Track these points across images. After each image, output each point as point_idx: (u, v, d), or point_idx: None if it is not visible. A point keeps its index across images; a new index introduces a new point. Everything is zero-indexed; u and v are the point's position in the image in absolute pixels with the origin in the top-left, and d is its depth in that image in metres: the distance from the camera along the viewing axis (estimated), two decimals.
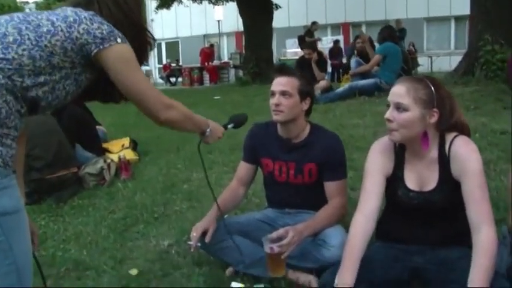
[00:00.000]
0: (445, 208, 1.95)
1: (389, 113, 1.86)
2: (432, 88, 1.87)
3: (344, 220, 2.34)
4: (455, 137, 1.92)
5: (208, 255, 2.45)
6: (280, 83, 2.31)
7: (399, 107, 1.85)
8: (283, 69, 2.42)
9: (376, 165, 2.00)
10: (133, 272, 2.48)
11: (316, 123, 2.49)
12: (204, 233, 2.22)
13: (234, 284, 2.18)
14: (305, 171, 2.35)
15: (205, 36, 22.36)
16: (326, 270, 1.98)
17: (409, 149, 1.98)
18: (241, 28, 14.39)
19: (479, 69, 7.09)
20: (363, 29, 18.23)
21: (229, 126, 2.14)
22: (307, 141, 2.37)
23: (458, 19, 17.95)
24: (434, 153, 1.94)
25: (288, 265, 2.14)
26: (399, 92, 1.87)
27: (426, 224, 1.99)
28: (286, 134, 2.39)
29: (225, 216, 2.52)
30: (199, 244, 2.23)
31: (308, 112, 2.40)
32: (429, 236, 1.99)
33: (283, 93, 2.28)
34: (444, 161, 1.92)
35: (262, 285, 2.18)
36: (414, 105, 1.84)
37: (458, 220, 2.02)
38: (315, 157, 2.32)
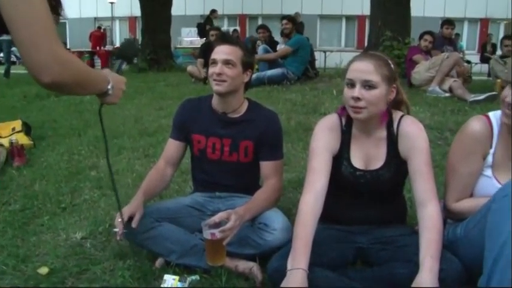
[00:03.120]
0: (389, 186, 1.95)
1: (358, 91, 1.81)
2: (391, 64, 1.86)
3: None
4: (402, 116, 1.94)
5: (132, 246, 2.21)
6: (223, 51, 2.16)
7: (367, 85, 1.81)
8: (227, 37, 2.28)
9: (322, 144, 1.94)
10: (43, 270, 2.13)
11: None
12: (130, 219, 1.99)
13: (166, 276, 1.97)
14: (241, 148, 2.22)
15: (96, 19, 21.12)
16: (272, 256, 1.87)
17: (358, 127, 1.94)
18: (135, 13, 13.79)
19: None
20: (259, 21, 18.47)
21: (123, 66, 1.86)
22: (245, 118, 2.24)
23: (349, 18, 18.96)
24: (382, 131, 1.93)
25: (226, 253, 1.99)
26: (367, 69, 1.82)
27: (369, 204, 1.99)
28: (222, 108, 2.24)
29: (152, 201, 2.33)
30: (125, 231, 1.99)
31: (247, 85, 2.27)
32: (372, 216, 1.99)
33: (227, 62, 2.14)
34: (392, 139, 1.92)
35: (197, 277, 2.00)
36: (382, 82, 1.82)
37: (397, 200, 2.06)
38: (253, 134, 2.21)
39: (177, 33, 16.65)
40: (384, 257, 1.88)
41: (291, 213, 2.47)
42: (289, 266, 1.68)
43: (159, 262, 2.11)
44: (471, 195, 1.92)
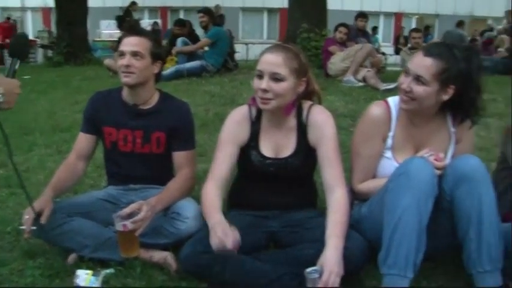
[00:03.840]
0: (299, 173, 2.03)
1: (266, 83, 1.85)
2: (301, 57, 1.92)
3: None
4: (311, 105, 2.01)
5: (42, 245, 2.14)
6: (131, 42, 2.13)
7: (275, 77, 1.85)
8: (135, 28, 2.24)
9: (229, 135, 2.00)
10: None
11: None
12: (39, 216, 1.93)
13: (79, 271, 1.92)
14: (153, 139, 2.21)
15: (3, 9, 19.82)
16: (183, 244, 1.89)
17: (267, 118, 2.00)
18: (48, 3, 13.11)
19: None
20: (181, 14, 18.24)
21: (16, 66, 1.70)
22: (156, 109, 2.23)
23: (270, 11, 19.20)
24: (292, 121, 2.00)
25: (140, 244, 1.98)
26: (276, 61, 1.86)
27: (280, 190, 2.06)
28: (133, 100, 2.22)
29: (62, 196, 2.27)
30: (33, 228, 1.92)
31: (158, 77, 2.26)
32: (283, 201, 2.06)
33: (135, 54, 2.12)
34: (302, 128, 1.98)
35: (112, 270, 1.97)
36: (290, 75, 1.87)
37: (307, 185, 2.15)
38: (164, 125, 2.20)
39: (96, 26, 16.08)
40: (294, 239, 1.96)
41: None
42: (209, 225, 1.80)
43: (71, 258, 2.05)
44: (374, 177, 2.05)
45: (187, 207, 2.07)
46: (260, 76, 1.88)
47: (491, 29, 14.65)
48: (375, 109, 2.01)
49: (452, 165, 1.77)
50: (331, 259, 1.66)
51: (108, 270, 1.97)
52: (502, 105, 5.42)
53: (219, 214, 1.84)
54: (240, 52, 15.00)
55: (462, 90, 1.85)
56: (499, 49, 10.61)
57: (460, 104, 1.90)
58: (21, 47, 1.78)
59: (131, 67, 2.11)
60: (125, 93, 2.24)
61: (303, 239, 1.92)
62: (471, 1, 18.95)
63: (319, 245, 1.76)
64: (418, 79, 1.84)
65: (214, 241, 1.71)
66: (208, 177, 1.98)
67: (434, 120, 2.00)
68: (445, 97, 1.86)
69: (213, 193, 1.93)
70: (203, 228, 1.88)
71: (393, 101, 2.02)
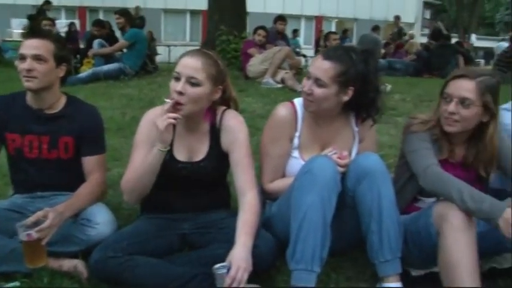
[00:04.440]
0: (212, 177, 2.05)
1: (181, 86, 1.83)
2: (220, 64, 1.93)
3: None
4: (224, 110, 2.03)
5: None
6: (32, 45, 2.04)
7: (192, 81, 1.84)
8: (37, 30, 2.14)
9: (144, 137, 1.98)
10: None
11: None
12: None
13: None
14: (60, 145, 2.14)
15: None
16: (93, 250, 1.85)
17: (181, 122, 1.99)
18: None
19: None
20: (101, 15, 17.67)
21: None
22: (63, 113, 2.16)
23: (193, 13, 19.09)
24: (205, 126, 2.01)
25: (48, 253, 1.90)
26: (194, 66, 1.86)
27: (193, 193, 2.06)
28: (37, 104, 2.13)
29: None
30: None
31: (63, 80, 2.18)
32: (195, 204, 2.07)
33: (37, 58, 2.03)
34: (215, 133, 2.01)
35: (17, 283, 1.88)
36: (206, 81, 1.87)
37: (220, 188, 2.17)
38: (72, 130, 2.14)
39: (6, 25, 15.19)
40: (207, 240, 1.98)
41: (120, 207, 2.46)
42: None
43: None
44: (284, 176, 2.11)
45: (98, 213, 2.03)
46: (177, 78, 1.87)
47: (404, 34, 15.57)
48: (281, 110, 2.08)
49: (354, 163, 1.87)
50: (239, 255, 1.70)
51: (12, 284, 1.88)
52: (411, 104, 5.76)
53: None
54: (162, 54, 14.85)
55: (361, 91, 1.96)
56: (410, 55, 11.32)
57: (360, 104, 2.01)
58: None
59: (33, 71, 2.02)
60: (29, 98, 2.14)
61: (216, 240, 1.95)
62: (386, 7, 19.95)
63: (230, 245, 1.78)
64: (317, 82, 1.92)
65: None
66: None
67: (338, 120, 2.10)
68: (345, 98, 1.96)
69: None
70: (113, 234, 1.85)
71: (299, 102, 2.09)
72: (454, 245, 1.69)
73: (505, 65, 9.06)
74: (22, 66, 2.03)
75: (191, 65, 1.86)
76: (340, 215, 1.84)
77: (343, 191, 1.84)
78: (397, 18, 13.99)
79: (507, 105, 2.33)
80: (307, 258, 1.71)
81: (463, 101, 1.88)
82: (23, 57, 2.04)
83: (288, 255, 1.76)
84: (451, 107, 1.89)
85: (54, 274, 1.94)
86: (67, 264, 1.96)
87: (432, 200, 1.98)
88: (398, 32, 13.06)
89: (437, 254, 1.75)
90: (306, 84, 1.96)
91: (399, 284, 1.78)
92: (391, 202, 1.80)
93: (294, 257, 1.73)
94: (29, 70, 2.01)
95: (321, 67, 1.92)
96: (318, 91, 1.92)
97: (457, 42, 12.27)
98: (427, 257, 1.84)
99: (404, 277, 1.85)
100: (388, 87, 6.39)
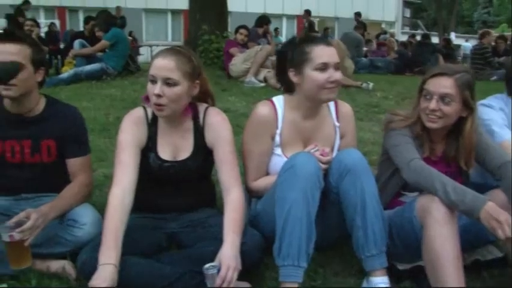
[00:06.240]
0: (198, 175, 2.06)
1: (159, 89, 1.83)
2: (194, 60, 1.94)
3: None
4: (207, 108, 2.04)
5: None
6: (9, 51, 1.94)
7: (168, 82, 1.84)
8: (12, 34, 2.01)
9: (129, 137, 1.96)
10: None
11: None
12: None
13: None
14: (43, 148, 2.11)
15: None
16: (81, 250, 1.85)
17: (163, 120, 2.00)
18: None
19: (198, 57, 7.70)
20: (80, 15, 17.49)
21: None
22: (44, 116, 2.12)
23: (174, 12, 19.01)
24: (189, 123, 2.02)
25: (35, 255, 1.90)
26: (168, 66, 1.85)
27: (178, 192, 2.07)
28: (17, 110, 2.08)
29: None
30: None
31: (42, 83, 2.14)
32: (181, 202, 2.08)
33: None
34: (199, 130, 2.01)
35: (4, 285, 1.87)
36: (183, 79, 1.87)
37: (205, 186, 2.18)
38: (54, 132, 2.11)
39: None
40: (194, 239, 1.98)
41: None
42: (99, 261, 1.66)
43: None
44: (267, 174, 2.13)
45: (84, 214, 2.01)
46: (153, 81, 1.86)
47: (385, 32, 15.74)
48: (261, 109, 2.10)
49: (336, 160, 1.90)
50: (228, 254, 1.71)
51: (1, 285, 1.87)
52: (393, 102, 5.84)
53: (115, 251, 1.68)
54: (144, 54, 14.77)
55: None
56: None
57: None
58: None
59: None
60: (7, 103, 2.08)
61: (203, 238, 1.95)
62: (366, 6, 20.12)
63: (217, 242, 1.79)
64: (443, 99, 1.95)
65: (92, 283, 1.60)
66: (114, 182, 1.88)
67: (319, 115, 2.13)
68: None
69: (118, 206, 1.80)
70: (100, 234, 1.84)
71: (278, 99, 2.12)
72: (436, 237, 1.72)
73: (480, 61, 9.31)
74: None
75: (165, 66, 1.85)
76: (325, 211, 1.87)
77: (327, 187, 1.86)
78: (307, 12, 14.05)
79: (485, 101, 2.39)
80: (293, 253, 1.73)
81: (443, 98, 1.92)
82: None
83: (275, 251, 1.78)
84: (433, 104, 1.93)
85: (42, 275, 1.94)
86: (55, 265, 1.95)
87: (415, 194, 2.02)
88: (309, 26, 13.15)
89: (422, 248, 1.78)
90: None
91: (386, 278, 1.81)
92: (374, 197, 1.84)
93: (281, 253, 1.75)
94: None
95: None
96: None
97: (444, 40, 12.49)
98: (413, 251, 1.88)
99: (391, 271, 1.89)
100: (371, 85, 6.49)
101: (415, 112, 2.03)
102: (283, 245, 1.74)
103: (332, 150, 2.10)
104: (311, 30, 12.63)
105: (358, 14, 13.94)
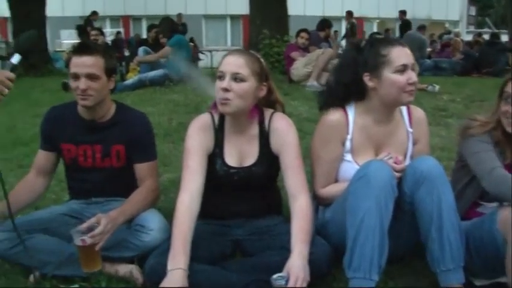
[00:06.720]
0: (263, 182, 2.04)
1: (227, 83, 1.85)
2: (263, 62, 1.94)
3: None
4: (273, 113, 2.02)
5: (2, 264, 2.07)
6: (85, 64, 2.03)
7: (236, 78, 1.86)
8: (87, 47, 2.10)
9: (197, 143, 1.97)
10: None
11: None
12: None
13: None
14: (113, 153, 2.17)
15: None
16: (148, 256, 1.87)
17: (230, 125, 2.00)
18: (4, 13, 12.74)
19: None
20: (143, 22, 18.08)
21: (14, 60, 1.77)
22: (114, 121, 2.18)
23: (233, 18, 19.26)
24: (254, 129, 2.01)
25: (104, 258, 1.94)
26: (237, 62, 1.88)
27: (244, 198, 2.05)
28: (90, 116, 2.16)
29: (18, 215, 2.18)
30: None
31: (113, 90, 2.22)
32: (247, 209, 2.06)
33: (90, 77, 2.03)
34: (264, 136, 1.99)
35: (77, 286, 1.93)
36: (251, 76, 1.88)
37: (271, 192, 2.15)
38: (123, 138, 2.16)
39: (55, 36, 15.78)
40: (260, 247, 1.96)
41: (172, 212, 2.47)
42: (169, 267, 1.68)
43: (33, 276, 1.98)
44: (336, 181, 2.06)
45: (152, 219, 2.04)
46: (221, 77, 1.88)
47: (449, 32, 15.16)
48: (332, 114, 2.04)
49: (411, 167, 1.80)
50: (296, 265, 1.67)
51: (73, 286, 1.93)
52: (461, 105, 5.58)
53: (184, 256, 1.71)
54: (204, 59, 15.04)
55: None
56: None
57: None
58: (24, 43, 1.85)
59: (88, 90, 2.04)
60: (81, 110, 2.17)
61: (269, 246, 1.92)
62: (429, 5, 19.50)
63: (284, 251, 1.76)
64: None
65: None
66: (182, 188, 1.90)
67: (392, 121, 2.04)
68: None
69: (186, 212, 1.82)
70: (168, 240, 1.86)
71: (349, 105, 2.05)
72: None
73: None
74: (76, 84, 2.04)
75: (234, 62, 1.88)
76: (397, 221, 1.78)
77: (400, 196, 1.78)
78: (350, 14, 13.48)
79: None
80: (365, 266, 1.66)
81: None
82: (76, 76, 2.05)
83: (345, 262, 1.71)
84: None
85: (111, 279, 1.97)
86: (123, 269, 1.99)
87: (494, 205, 1.90)
88: (350, 27, 12.63)
89: (505, 264, 1.66)
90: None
91: None
92: (451, 208, 1.73)
93: (352, 265, 1.68)
94: (84, 89, 2.03)
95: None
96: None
97: None
98: (492, 266, 1.76)
99: (468, 287, 1.78)
100: (436, 87, 6.25)
101: (494, 117, 1.91)
102: (355, 256, 1.67)
103: (405, 157, 2.01)
104: (352, 32, 12.33)
105: (403, 13, 13.31)
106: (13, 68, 1.75)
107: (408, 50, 1.95)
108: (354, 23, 13.56)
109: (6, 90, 1.70)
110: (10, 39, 13.37)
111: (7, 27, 14.17)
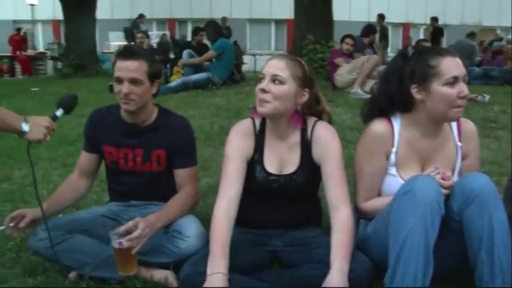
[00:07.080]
0: (304, 190, 1.98)
1: (266, 84, 1.84)
2: (306, 68, 1.90)
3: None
4: (316, 121, 1.97)
5: (43, 262, 2.11)
6: (129, 68, 2.04)
7: (276, 80, 1.84)
8: (131, 51, 2.10)
9: (236, 149, 1.95)
10: None
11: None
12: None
13: None
14: (153, 158, 2.17)
15: (14, 22, 20.02)
16: (184, 263, 1.85)
17: (271, 131, 1.97)
18: (58, 16, 13.22)
19: None
20: (189, 25, 18.33)
21: (58, 113, 1.98)
22: (155, 126, 2.19)
23: (278, 22, 19.26)
24: (296, 136, 1.96)
25: (140, 262, 1.94)
26: (278, 65, 1.87)
27: (283, 207, 2.01)
28: (132, 120, 2.18)
29: (59, 215, 2.27)
30: (11, 224, 1.99)
31: (156, 94, 2.21)
32: (285, 219, 2.01)
33: (133, 81, 2.04)
34: (306, 144, 1.95)
35: None
36: (291, 80, 1.85)
37: (311, 203, 2.10)
38: (164, 142, 2.16)
39: (104, 38, 16.23)
40: (298, 259, 1.91)
41: (210, 218, 2.45)
42: (208, 271, 1.67)
43: (71, 276, 2.01)
44: (379, 194, 1.99)
45: (189, 226, 2.02)
46: (262, 79, 1.88)
47: (500, 39, 14.59)
48: (377, 125, 1.96)
49: (461, 184, 1.70)
50: (336, 282, 1.61)
51: None
52: None
53: (224, 260, 1.69)
54: (248, 63, 15.10)
55: None
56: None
57: None
58: (69, 103, 2.03)
59: (131, 94, 2.05)
60: (123, 113, 2.19)
61: (307, 259, 1.87)
62: (479, 11, 18.88)
63: (323, 266, 1.71)
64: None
65: None
66: (220, 194, 1.88)
67: (440, 134, 1.95)
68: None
69: (224, 218, 1.80)
70: (204, 247, 1.84)
71: (394, 116, 1.97)
72: None
73: None
74: (119, 88, 2.05)
75: (275, 65, 1.88)
76: (443, 239, 1.68)
77: (448, 214, 1.68)
78: (381, 17, 12.86)
79: None
80: (407, 284, 1.58)
81: None
82: (119, 80, 2.06)
83: (387, 280, 1.63)
84: None
85: (146, 283, 1.97)
86: (158, 274, 1.98)
87: None
88: (381, 31, 12.10)
89: None
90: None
91: None
92: (504, 229, 1.62)
93: (393, 283, 1.60)
94: (126, 94, 2.04)
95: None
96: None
97: None
98: None
99: None
100: (487, 97, 6.01)
101: None
102: (397, 275, 1.59)
103: (453, 173, 1.91)
104: (383, 36, 11.97)
105: (434, 19, 12.83)
106: (54, 119, 1.94)
107: (459, 60, 1.86)
108: (385, 27, 13.21)
109: (48, 137, 1.88)
110: (62, 40, 13.84)
111: (60, 29, 14.68)
